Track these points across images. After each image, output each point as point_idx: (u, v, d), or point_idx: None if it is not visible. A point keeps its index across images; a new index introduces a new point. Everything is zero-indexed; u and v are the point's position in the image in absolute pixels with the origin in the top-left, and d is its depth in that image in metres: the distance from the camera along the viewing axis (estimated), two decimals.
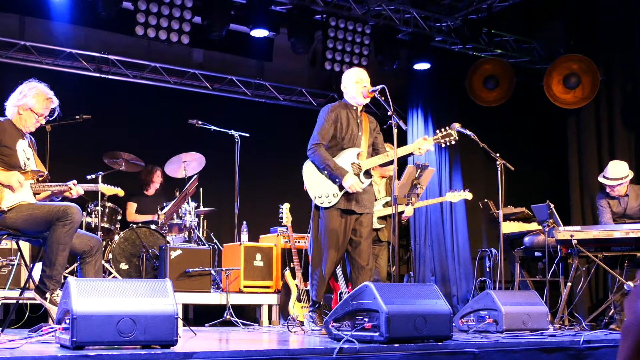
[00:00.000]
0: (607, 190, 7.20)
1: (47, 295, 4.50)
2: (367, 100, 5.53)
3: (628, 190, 7.24)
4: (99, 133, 8.62)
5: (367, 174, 5.47)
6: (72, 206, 4.51)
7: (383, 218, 6.78)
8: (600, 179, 7.27)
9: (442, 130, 5.63)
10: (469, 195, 7.16)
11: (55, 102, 4.89)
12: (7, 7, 8.20)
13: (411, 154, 5.62)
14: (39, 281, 4.57)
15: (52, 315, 4.53)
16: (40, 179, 4.81)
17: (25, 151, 4.80)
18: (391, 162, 5.41)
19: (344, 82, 5.65)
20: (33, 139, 5.03)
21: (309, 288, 5.90)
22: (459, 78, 9.56)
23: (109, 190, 5.48)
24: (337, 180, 5.28)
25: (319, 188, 5.39)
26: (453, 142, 5.64)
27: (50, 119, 4.95)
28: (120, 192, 5.54)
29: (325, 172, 5.34)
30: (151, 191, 8.46)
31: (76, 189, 4.87)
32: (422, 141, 5.52)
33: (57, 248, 4.45)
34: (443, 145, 5.67)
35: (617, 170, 7.18)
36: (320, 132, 5.40)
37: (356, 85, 5.50)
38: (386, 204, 6.79)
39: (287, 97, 10.29)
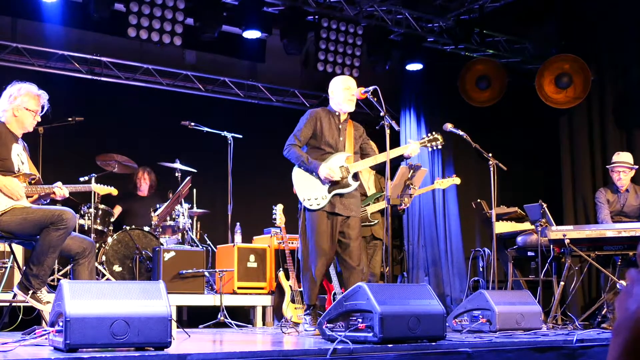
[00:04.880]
0: (618, 175, 7.29)
1: (30, 292, 4.50)
2: (352, 108, 5.63)
3: (629, 186, 7.33)
4: (91, 135, 8.60)
5: (355, 176, 5.56)
6: (68, 211, 4.49)
7: (377, 213, 6.81)
8: (612, 165, 7.45)
9: (430, 135, 5.75)
10: (457, 180, 7.21)
11: (45, 97, 4.89)
12: None
13: (401, 155, 5.69)
14: (23, 277, 4.57)
15: (45, 317, 4.52)
16: (32, 182, 4.80)
17: (19, 155, 4.79)
18: (381, 165, 5.57)
19: (331, 88, 5.74)
20: (26, 144, 5.03)
21: (302, 289, 5.96)
22: (451, 78, 9.57)
23: (102, 189, 5.44)
24: (313, 173, 5.42)
25: (308, 191, 5.48)
26: (440, 147, 5.76)
27: (42, 114, 4.93)
28: (114, 191, 5.51)
29: (302, 167, 5.48)
30: (143, 192, 8.44)
31: (61, 191, 4.83)
32: (409, 145, 5.64)
33: (47, 250, 4.45)
34: (430, 149, 5.77)
35: (627, 157, 7.42)
36: (296, 134, 5.57)
37: (345, 92, 5.60)
38: (376, 200, 6.82)
39: (279, 98, 10.29)
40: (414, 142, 5.64)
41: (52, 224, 4.42)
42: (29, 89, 4.83)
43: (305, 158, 5.46)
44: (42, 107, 4.90)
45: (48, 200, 4.92)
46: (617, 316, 1.04)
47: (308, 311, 5.62)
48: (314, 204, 5.45)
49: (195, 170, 8.26)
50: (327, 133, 5.55)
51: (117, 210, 8.13)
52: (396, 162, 5.84)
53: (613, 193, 7.41)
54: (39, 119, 4.91)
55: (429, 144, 5.73)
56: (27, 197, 4.74)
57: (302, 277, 5.64)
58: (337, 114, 5.66)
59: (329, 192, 5.44)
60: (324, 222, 5.45)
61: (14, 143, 4.77)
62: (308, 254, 5.50)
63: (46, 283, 4.61)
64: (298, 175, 5.56)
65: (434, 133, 5.76)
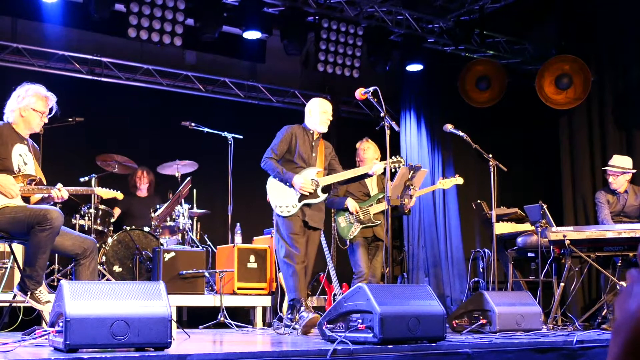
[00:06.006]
0: (608, 179, 7.31)
1: (28, 292, 4.50)
2: (325, 130, 6.12)
3: (628, 187, 7.34)
4: (91, 135, 8.60)
5: (324, 190, 5.98)
6: (53, 210, 4.46)
7: (380, 214, 6.82)
8: (605, 168, 7.48)
9: (393, 157, 6.21)
10: (460, 180, 7.22)
11: (53, 99, 4.91)
12: None
13: (366, 173, 6.16)
14: (20, 279, 4.59)
15: (45, 318, 4.52)
16: (32, 183, 4.79)
17: (22, 155, 4.78)
18: (353, 180, 6.21)
19: (310, 107, 6.21)
20: (36, 145, 5.03)
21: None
22: (452, 79, 9.58)
23: (106, 193, 5.37)
24: (287, 183, 5.85)
25: (280, 199, 5.91)
26: (399, 168, 6.29)
27: (50, 115, 4.93)
28: (119, 195, 5.42)
29: (277, 178, 5.93)
30: (142, 192, 8.44)
31: (60, 192, 4.80)
32: (373, 165, 6.16)
33: (37, 251, 4.44)
34: (392, 170, 6.13)
35: (622, 161, 7.42)
36: (272, 148, 6.02)
37: (322, 115, 6.08)
38: (379, 201, 6.83)
39: (280, 99, 10.29)
40: (378, 162, 6.15)
41: (37, 224, 4.40)
42: (37, 90, 4.85)
43: (281, 170, 5.90)
44: (51, 109, 4.91)
45: (51, 203, 4.91)
46: (617, 316, 1.04)
47: (302, 308, 5.67)
48: (285, 211, 5.87)
49: (195, 167, 8.25)
50: (301, 149, 6.00)
51: (117, 211, 8.12)
52: (362, 178, 6.34)
53: (613, 194, 7.42)
54: (47, 120, 4.91)
55: (391, 165, 6.14)
56: (24, 197, 4.73)
57: (286, 274, 5.87)
58: (311, 132, 6.11)
59: (299, 201, 5.86)
60: (298, 224, 5.85)
61: (18, 143, 4.77)
62: (288, 253, 5.81)
63: (41, 284, 4.57)
64: (272, 185, 6.00)
65: (396, 156, 6.32)
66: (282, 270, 5.96)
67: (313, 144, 6.09)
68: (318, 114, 6.08)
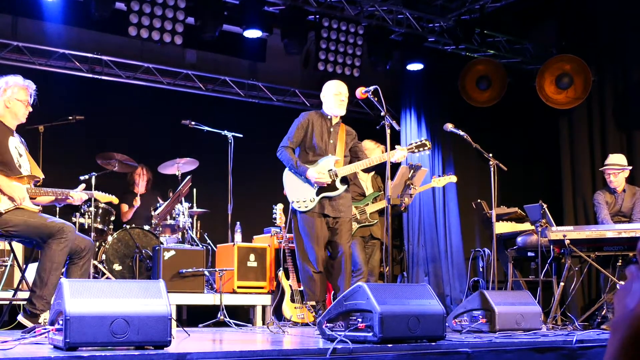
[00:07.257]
0: (609, 178, 7.33)
1: (41, 320, 4.42)
2: (343, 112, 5.86)
3: (625, 186, 7.36)
4: (91, 134, 8.60)
5: (343, 180, 5.77)
6: (68, 225, 4.49)
7: (376, 213, 6.81)
8: (603, 168, 7.50)
9: (417, 140, 5.90)
10: (453, 178, 7.23)
11: (32, 87, 4.91)
12: (0, 8, 8.18)
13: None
14: (27, 301, 4.49)
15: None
16: (37, 184, 4.79)
17: (17, 148, 4.78)
18: (371, 169, 5.88)
19: (323, 92, 5.97)
20: (23, 139, 5.02)
21: (302, 288, 6.05)
22: (452, 78, 9.58)
23: (103, 197, 5.39)
24: (302, 176, 5.66)
25: (297, 193, 5.73)
26: (428, 152, 5.96)
27: (32, 104, 4.92)
28: (114, 199, 5.45)
29: (292, 171, 5.74)
30: (141, 189, 8.43)
31: (78, 195, 4.81)
32: (394, 152, 5.68)
33: (50, 267, 4.39)
34: (417, 155, 5.94)
35: (618, 159, 7.45)
36: (289, 137, 5.83)
37: (335, 97, 5.84)
38: (374, 200, 6.82)
39: (280, 98, 10.28)
40: (400, 148, 5.72)
41: (51, 237, 4.39)
42: (15, 81, 4.86)
43: (295, 161, 5.71)
44: (31, 96, 4.91)
45: (62, 205, 4.91)
46: (616, 313, 1.04)
47: (320, 311, 5.65)
48: (302, 206, 5.70)
49: (196, 164, 8.25)
50: (317, 136, 5.79)
51: (124, 207, 8.17)
52: (378, 168, 6.04)
53: (611, 194, 7.43)
54: (31, 109, 4.91)
55: (416, 150, 5.86)
56: (32, 198, 4.72)
57: (302, 278, 5.86)
58: (329, 117, 5.89)
59: (317, 194, 5.68)
60: (316, 223, 5.69)
61: (10, 136, 4.77)
62: (302, 254, 5.75)
63: (50, 304, 4.39)
64: (288, 178, 5.82)
65: (421, 139, 5.91)
66: (300, 273, 5.91)
67: (331, 129, 5.86)
68: (331, 96, 5.87)
